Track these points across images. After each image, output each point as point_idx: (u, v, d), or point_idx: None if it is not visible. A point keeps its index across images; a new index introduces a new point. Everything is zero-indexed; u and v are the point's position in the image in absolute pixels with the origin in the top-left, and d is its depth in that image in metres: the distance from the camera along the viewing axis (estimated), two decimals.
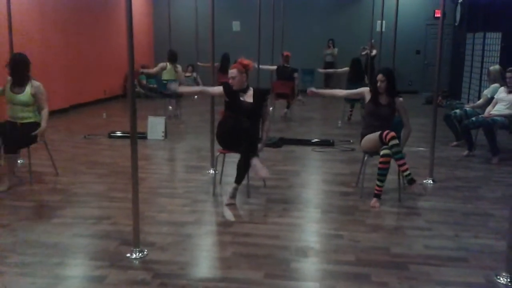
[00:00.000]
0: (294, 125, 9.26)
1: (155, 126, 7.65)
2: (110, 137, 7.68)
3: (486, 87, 7.68)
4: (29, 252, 3.55)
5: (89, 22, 11.36)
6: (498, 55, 10.07)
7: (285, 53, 10.02)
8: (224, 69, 10.58)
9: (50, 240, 3.77)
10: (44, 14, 9.54)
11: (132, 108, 3.41)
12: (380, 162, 4.63)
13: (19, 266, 3.33)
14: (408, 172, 4.61)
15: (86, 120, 9.43)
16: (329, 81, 14.53)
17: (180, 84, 9.08)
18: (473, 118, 6.74)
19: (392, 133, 4.59)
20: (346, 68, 9.91)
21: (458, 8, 12.65)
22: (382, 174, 4.64)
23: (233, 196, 4.69)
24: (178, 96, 9.61)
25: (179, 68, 9.82)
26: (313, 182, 5.57)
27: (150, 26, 15.22)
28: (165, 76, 9.67)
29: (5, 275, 3.22)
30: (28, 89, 5.14)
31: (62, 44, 10.19)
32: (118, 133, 7.77)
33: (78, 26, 10.82)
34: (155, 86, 10.15)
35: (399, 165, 4.64)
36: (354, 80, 9.31)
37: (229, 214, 4.45)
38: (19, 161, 5.92)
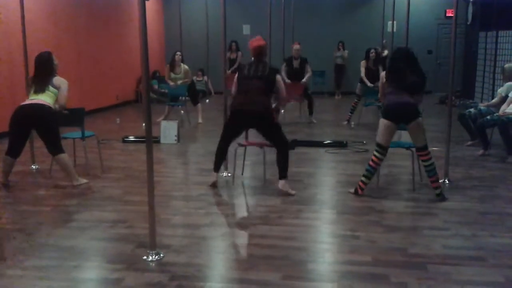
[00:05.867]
0: (306, 126, 9.23)
1: (168, 130, 7.68)
2: (124, 141, 7.72)
3: (500, 86, 7.60)
4: (46, 255, 3.57)
5: (101, 29, 11.44)
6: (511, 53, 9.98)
7: (295, 45, 9.56)
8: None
9: (67, 243, 3.79)
10: (57, 22, 9.63)
11: (148, 113, 3.42)
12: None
13: (36, 270, 3.35)
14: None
15: (100, 125, 9.48)
16: (340, 83, 14.51)
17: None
18: (488, 117, 6.67)
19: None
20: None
21: (470, 7, 12.55)
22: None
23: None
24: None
25: (182, 68, 9.67)
26: (328, 183, 5.55)
27: (161, 31, 15.29)
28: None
29: (22, 278, 3.24)
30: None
31: (75, 51, 10.27)
32: (132, 138, 7.82)
33: (90, 33, 10.90)
34: (166, 91, 10.19)
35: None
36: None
37: None
38: (33, 167, 6.00)
